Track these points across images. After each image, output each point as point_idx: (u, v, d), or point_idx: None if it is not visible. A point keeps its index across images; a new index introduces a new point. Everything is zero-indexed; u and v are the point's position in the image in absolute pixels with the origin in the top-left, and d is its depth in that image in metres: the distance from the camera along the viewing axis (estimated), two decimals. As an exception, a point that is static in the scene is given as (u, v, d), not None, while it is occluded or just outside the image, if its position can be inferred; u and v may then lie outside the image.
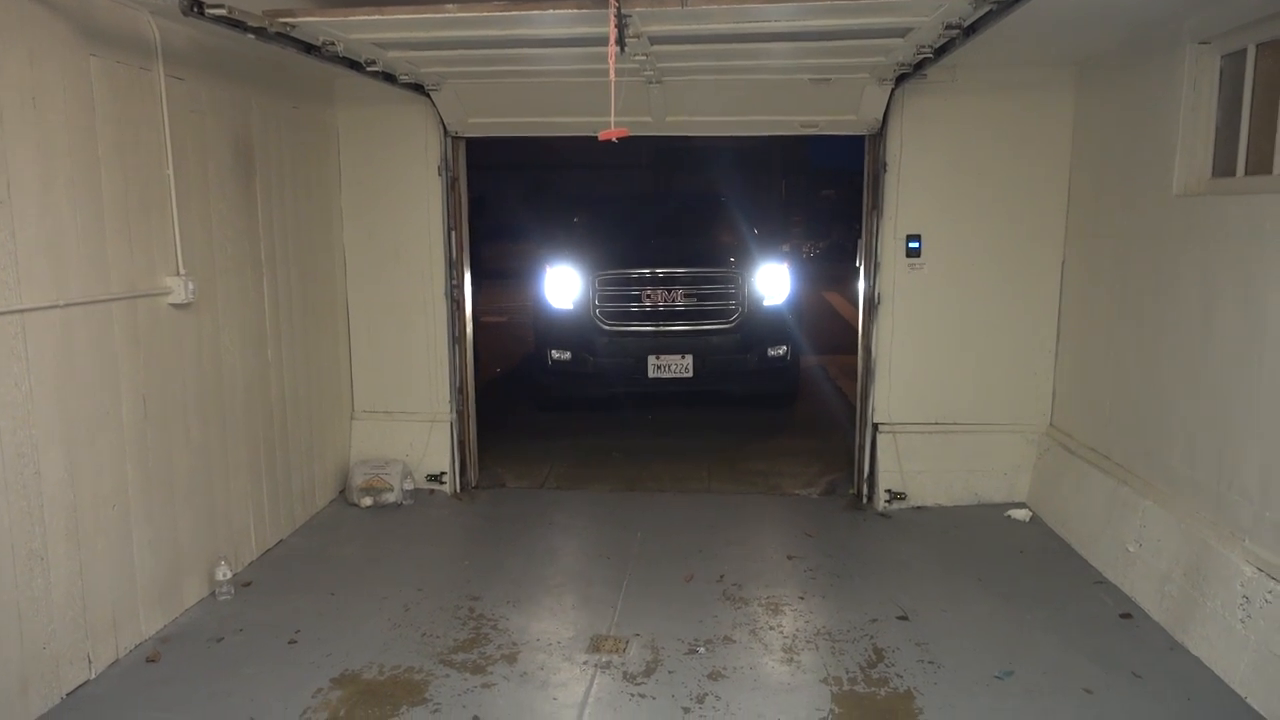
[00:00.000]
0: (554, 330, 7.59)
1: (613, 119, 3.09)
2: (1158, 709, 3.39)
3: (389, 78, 4.97)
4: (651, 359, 7.23)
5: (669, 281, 7.40)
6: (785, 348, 7.59)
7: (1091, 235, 5.27)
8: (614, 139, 3.07)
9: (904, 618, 4.22)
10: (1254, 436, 3.65)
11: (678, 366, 7.23)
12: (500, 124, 5.85)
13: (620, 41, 3.24)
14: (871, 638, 4.03)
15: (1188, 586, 3.91)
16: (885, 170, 5.64)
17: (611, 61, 3.04)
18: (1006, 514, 5.55)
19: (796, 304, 7.99)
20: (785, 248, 9.69)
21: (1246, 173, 3.93)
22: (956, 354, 5.78)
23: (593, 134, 5.68)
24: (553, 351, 7.54)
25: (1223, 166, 4.12)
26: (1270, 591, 3.40)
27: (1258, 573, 3.50)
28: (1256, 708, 3.33)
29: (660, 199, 9.70)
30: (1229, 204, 3.90)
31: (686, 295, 7.36)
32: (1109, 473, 4.84)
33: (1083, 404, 5.37)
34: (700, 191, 11.09)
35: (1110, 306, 4.99)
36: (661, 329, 7.37)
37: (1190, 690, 3.51)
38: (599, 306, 7.40)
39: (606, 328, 7.39)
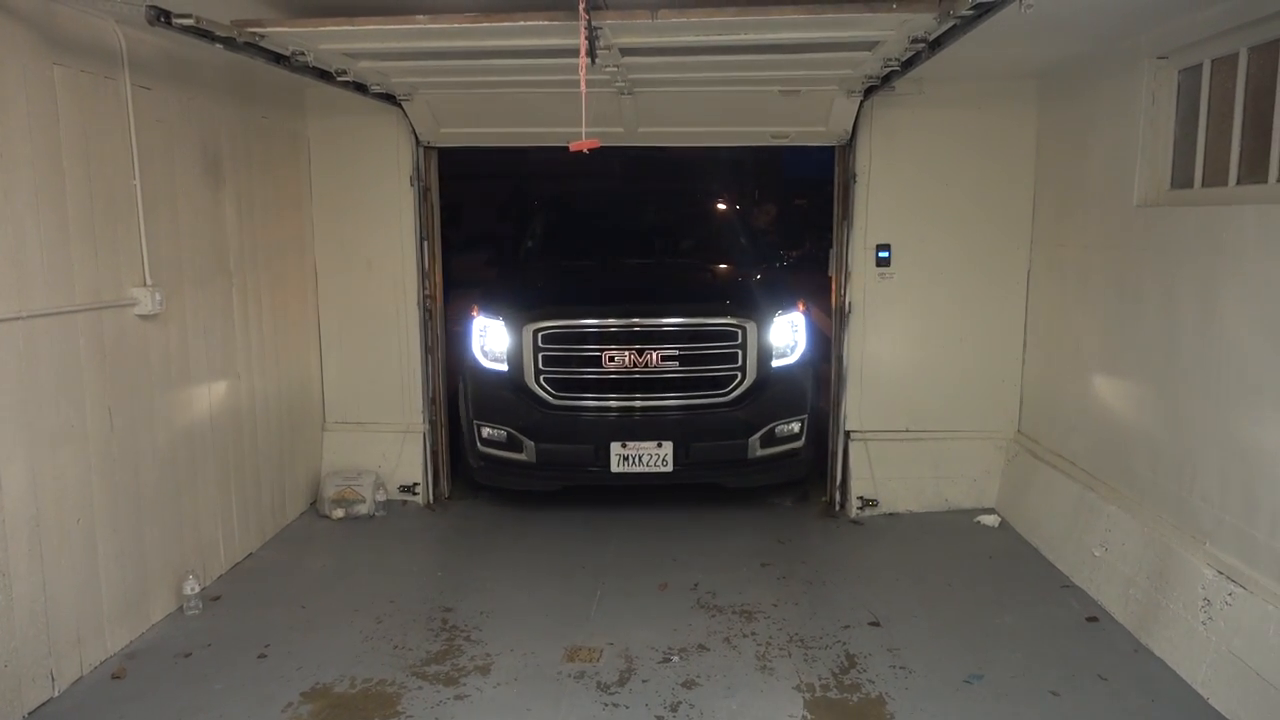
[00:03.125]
0: (483, 399, 5.59)
1: (584, 130, 3.10)
2: (1121, 711, 3.44)
3: (360, 88, 4.96)
4: (616, 447, 5.31)
5: (643, 337, 5.33)
6: (800, 423, 5.59)
7: (1056, 245, 5.36)
8: (585, 150, 3.08)
9: (876, 624, 4.25)
10: (1214, 442, 3.72)
11: (652, 457, 5.31)
12: (472, 134, 5.85)
13: (591, 53, 3.27)
14: (844, 644, 4.06)
15: (1151, 590, 3.98)
16: (855, 181, 5.70)
17: (583, 73, 3.06)
18: (976, 519, 5.61)
19: (814, 356, 5.85)
20: (784, 262, 7.60)
21: (1204, 184, 4.03)
22: (926, 362, 5.84)
23: (565, 144, 5.75)
24: (482, 428, 5.57)
25: (1181, 178, 4.21)
26: (1230, 594, 3.47)
27: (1218, 575, 3.57)
28: (1218, 708, 3.39)
29: (633, 203, 7.37)
30: (1186, 215, 3.99)
31: (668, 357, 5.30)
32: (1075, 478, 4.91)
33: (1049, 411, 5.45)
34: (687, 192, 7.87)
35: (1075, 315, 5.07)
36: (631, 404, 5.43)
37: (1154, 692, 3.57)
38: (542, 372, 5.39)
39: (553, 401, 5.40)
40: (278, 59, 3.99)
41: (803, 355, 5.68)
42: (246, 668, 3.82)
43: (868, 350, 5.85)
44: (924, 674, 3.78)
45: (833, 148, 5.82)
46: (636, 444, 5.31)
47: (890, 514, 5.79)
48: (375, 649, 3.98)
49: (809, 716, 3.46)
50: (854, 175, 5.69)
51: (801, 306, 5.73)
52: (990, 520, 5.57)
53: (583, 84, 3.08)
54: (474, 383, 5.67)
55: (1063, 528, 4.89)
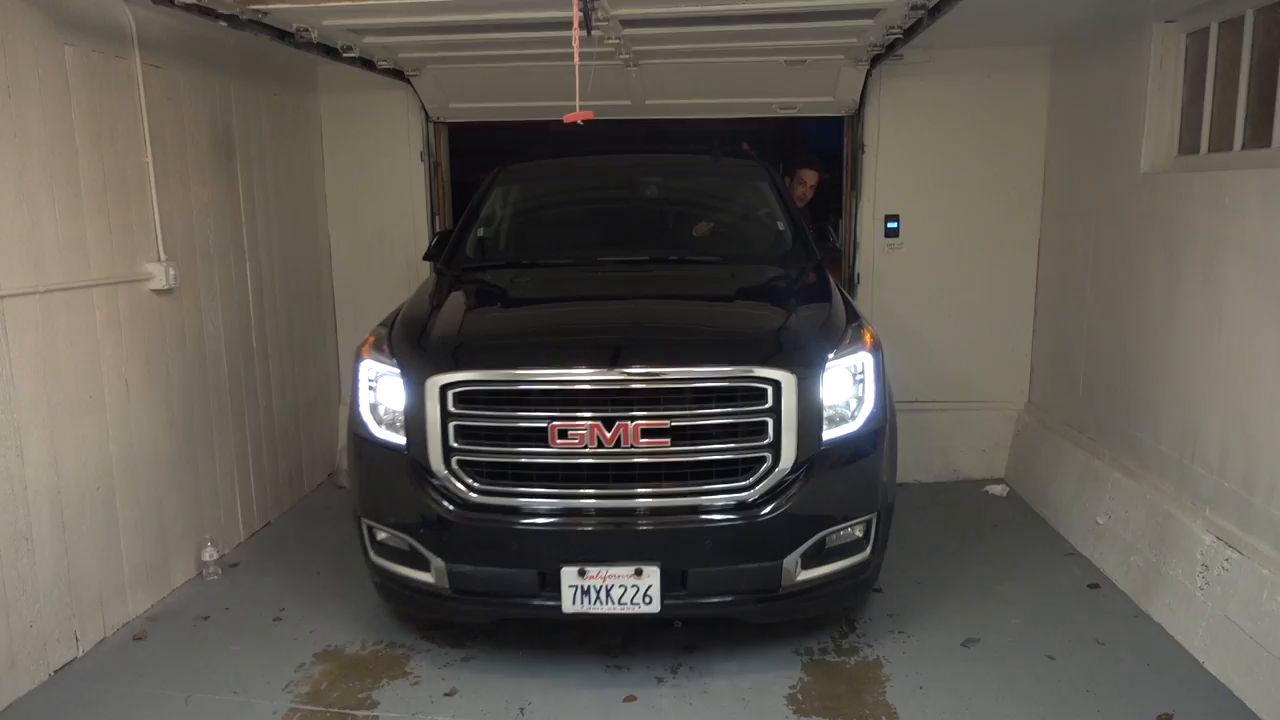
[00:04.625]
0: (373, 487, 3.69)
1: (578, 103, 3.15)
2: (1116, 674, 3.48)
3: (367, 64, 5.01)
4: (570, 574, 3.32)
5: (617, 399, 3.32)
6: (865, 524, 3.59)
7: (1066, 214, 5.33)
8: (579, 122, 3.12)
9: (878, 590, 4.29)
10: (1214, 409, 3.72)
11: (628, 590, 3.32)
12: (481, 109, 5.89)
13: (586, 25, 3.29)
14: (845, 610, 4.11)
15: (1152, 556, 3.99)
16: (863, 151, 5.69)
17: (576, 45, 3.09)
18: (984, 489, 5.63)
19: (888, 414, 3.69)
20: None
21: (1210, 150, 3.99)
22: (935, 333, 5.84)
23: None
24: (374, 529, 3.64)
25: (1189, 144, 4.17)
26: (1227, 559, 3.48)
27: (1216, 541, 3.58)
28: (1213, 672, 3.42)
29: (634, 175, 5.12)
30: (1192, 181, 3.96)
31: (655, 432, 3.30)
32: (1082, 447, 4.92)
33: (1058, 381, 5.44)
34: (706, 163, 5.17)
35: (1083, 284, 5.05)
36: (597, 505, 3.41)
37: (1150, 656, 3.59)
38: (457, 452, 3.39)
39: (474, 497, 3.40)
40: (282, 35, 4.05)
41: (872, 417, 3.52)
42: (262, 630, 3.94)
43: (876, 321, 5.81)
44: (922, 638, 3.83)
45: (842, 118, 5.81)
46: (603, 569, 3.29)
47: (900, 484, 5.78)
48: (386, 613, 4.09)
49: (806, 679, 3.53)
50: (862, 145, 5.68)
51: (869, 338, 3.63)
52: (998, 490, 5.59)
53: (576, 55, 3.11)
54: (360, 461, 3.68)
55: (1068, 497, 4.90)
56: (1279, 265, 3.28)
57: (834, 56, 5.07)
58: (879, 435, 3.56)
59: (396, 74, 5.46)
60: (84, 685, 3.49)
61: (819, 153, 6.44)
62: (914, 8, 3.83)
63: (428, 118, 5.90)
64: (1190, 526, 3.76)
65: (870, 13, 4.04)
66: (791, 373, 3.31)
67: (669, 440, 3.27)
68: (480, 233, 4.80)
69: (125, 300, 3.95)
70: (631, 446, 3.25)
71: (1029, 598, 4.16)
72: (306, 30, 4.05)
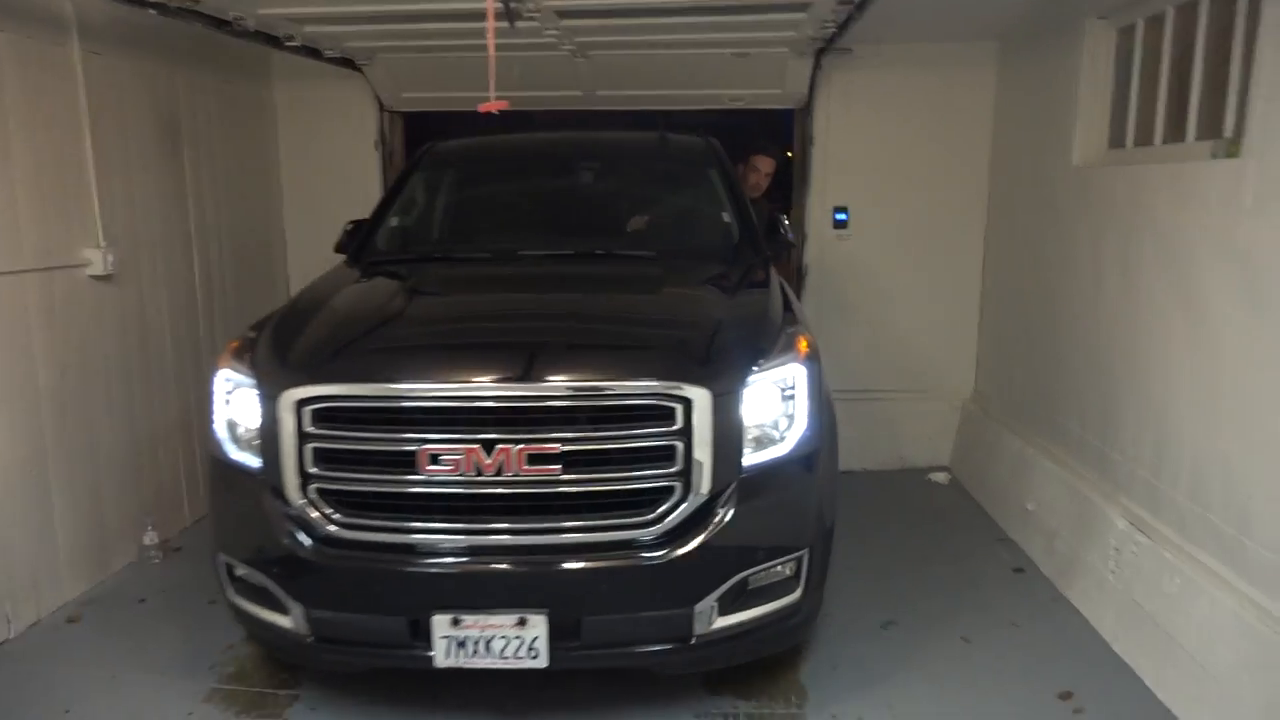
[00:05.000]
0: (227, 516, 3.26)
1: (492, 93, 3.19)
2: (1026, 655, 3.56)
3: (314, 53, 5.05)
4: (443, 622, 2.88)
5: (499, 420, 2.88)
6: (795, 563, 3.13)
7: (1009, 207, 5.41)
8: (494, 111, 3.17)
9: (809, 576, 4.38)
10: (1129, 397, 3.80)
11: (510, 643, 2.88)
12: (434, 99, 5.93)
13: (509, 16, 3.34)
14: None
15: (1073, 541, 4.08)
16: (812, 144, 5.75)
17: (490, 37, 3.14)
18: (927, 477, 5.72)
19: (826, 434, 3.24)
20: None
21: (1135, 144, 4.06)
22: (884, 323, 5.92)
23: (526, 109, 5.80)
24: (231, 565, 3.18)
25: (1117, 139, 4.24)
26: (1136, 543, 3.57)
27: (1129, 526, 3.66)
28: (1119, 653, 3.51)
29: (573, 158, 4.75)
30: (1115, 175, 4.04)
31: (544, 457, 2.85)
32: (1018, 435, 5.00)
33: (1000, 371, 5.53)
34: (650, 144, 4.87)
35: (1022, 276, 5.13)
36: (475, 542, 2.94)
37: (1062, 639, 3.68)
38: (315, 479, 2.94)
39: (334, 531, 2.94)
40: (220, 24, 4.08)
41: (804, 439, 3.02)
42: (197, 612, 3.99)
43: (825, 311, 5.92)
44: (844, 619, 3.90)
45: (793, 110, 5.87)
46: (481, 618, 2.85)
47: (845, 471, 5.85)
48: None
49: (725, 660, 3.61)
50: (811, 138, 5.74)
51: (804, 347, 3.11)
52: (940, 478, 5.67)
53: (491, 47, 3.16)
54: (215, 486, 3.26)
55: (1003, 484, 4.99)
56: (1187, 258, 3.36)
57: (778, 49, 5.12)
58: (812, 459, 3.07)
59: (348, 63, 5.49)
60: (11, 665, 3.55)
61: (778, 140, 6.14)
62: (842, 2, 3.89)
63: (382, 107, 5.94)
64: (1107, 512, 3.85)
65: (802, 6, 4.09)
66: (705, 388, 2.81)
67: (560, 467, 2.79)
68: (395, 222, 4.36)
69: (62, 285, 3.99)
70: (516, 475, 2.77)
71: (954, 581, 4.24)
72: (243, 18, 4.08)
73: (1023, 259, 5.12)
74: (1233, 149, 3.10)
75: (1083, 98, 4.37)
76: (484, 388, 2.88)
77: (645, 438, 2.84)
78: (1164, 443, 3.51)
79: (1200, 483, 3.25)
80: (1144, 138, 3.96)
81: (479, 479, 2.79)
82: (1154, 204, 3.61)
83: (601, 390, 2.85)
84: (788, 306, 3.49)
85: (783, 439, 3.00)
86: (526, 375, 2.90)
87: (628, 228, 4.40)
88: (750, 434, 2.95)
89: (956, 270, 5.84)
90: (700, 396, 2.82)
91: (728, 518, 2.90)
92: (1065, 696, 3.26)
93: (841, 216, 5.80)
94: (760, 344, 3.08)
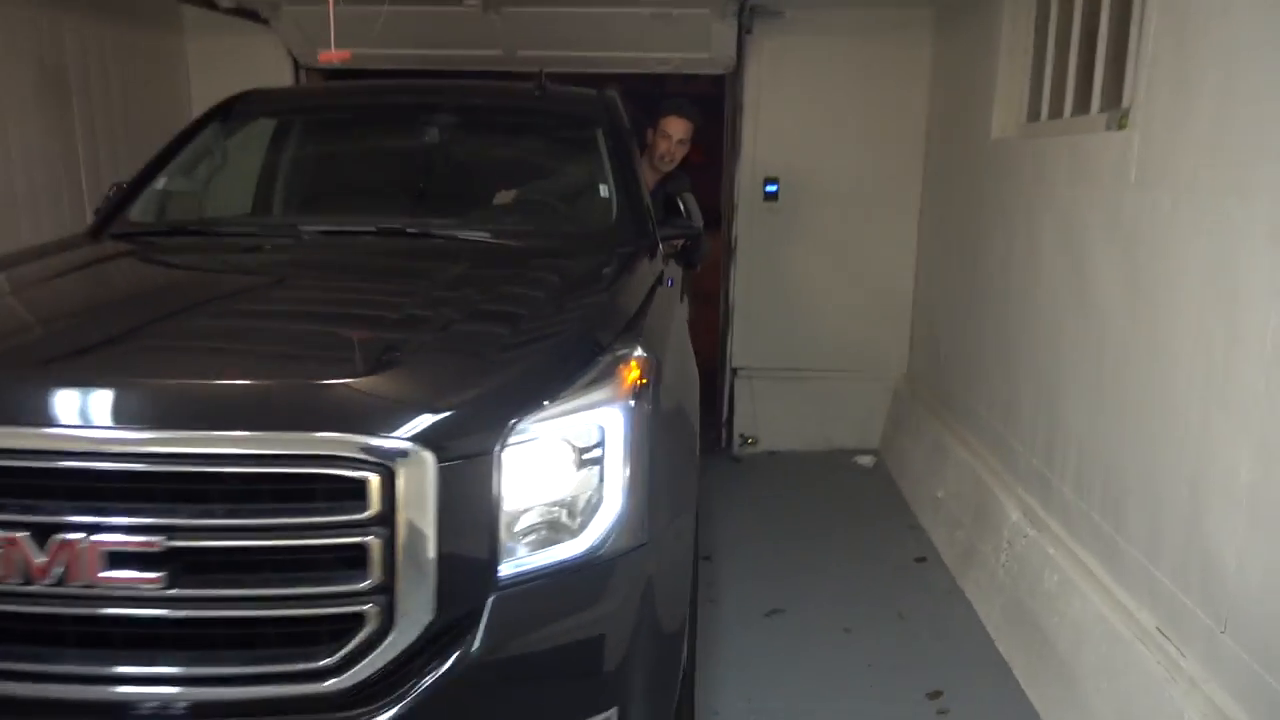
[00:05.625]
0: None
1: (333, 44, 2.99)
2: (906, 649, 3.41)
3: (210, 3, 4.81)
4: None
5: (69, 487, 1.68)
6: None
7: (940, 182, 5.20)
8: (335, 62, 2.96)
9: (707, 558, 4.22)
10: (1028, 382, 3.63)
11: None
12: (354, 56, 5.67)
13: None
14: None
15: (972, 532, 3.93)
16: (741, 111, 5.53)
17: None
18: (853, 459, 5.56)
19: (661, 521, 2.00)
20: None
21: (1050, 117, 3.86)
22: (814, 299, 5.73)
23: (455, 69, 5.57)
24: None
25: (1035, 111, 4.03)
26: (1025, 536, 3.41)
27: (1021, 518, 3.51)
28: (1001, 650, 3.36)
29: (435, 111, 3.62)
30: (1026, 149, 3.84)
31: (137, 557, 1.65)
32: (939, 419, 4.84)
33: (928, 351, 5.35)
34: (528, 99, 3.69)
35: (949, 254, 4.94)
36: (21, 695, 1.70)
37: (946, 633, 3.53)
38: None
39: None
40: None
41: (619, 526, 1.90)
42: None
43: (754, 285, 5.74)
44: (730, 608, 3.76)
45: (723, 76, 5.64)
46: None
47: (771, 452, 5.74)
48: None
49: (594, 648, 3.46)
50: (741, 105, 5.51)
51: (629, 377, 2.02)
52: (866, 461, 5.51)
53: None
54: None
55: (921, 470, 4.83)
56: (1081, 238, 3.17)
57: (699, 10, 4.89)
58: (637, 561, 1.91)
59: (252, 15, 5.25)
60: None
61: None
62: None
63: (297, 64, 5.71)
64: (1003, 503, 3.69)
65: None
66: (427, 447, 1.71)
67: (166, 575, 1.65)
68: (162, 184, 3.35)
69: (-82, 242, 3.79)
70: (91, 585, 1.65)
71: (853, 570, 4.09)
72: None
73: (949, 235, 4.93)
74: (1124, 121, 2.90)
75: (1002, 68, 4.16)
76: (27, 436, 1.68)
77: (312, 530, 1.69)
78: (1054, 433, 3.34)
79: (1083, 477, 3.09)
80: (1057, 110, 3.76)
81: (27, 591, 1.64)
82: (1055, 179, 3.42)
83: (224, 449, 1.68)
84: (642, 314, 2.34)
85: (580, 529, 1.86)
86: (119, 415, 1.72)
87: (495, 201, 3.50)
88: (517, 522, 1.81)
89: (891, 244, 5.64)
90: (416, 461, 1.69)
91: (469, 662, 1.73)
92: (934, 695, 3.11)
93: (772, 188, 5.59)
94: (553, 374, 1.94)
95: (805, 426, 5.77)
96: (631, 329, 2.22)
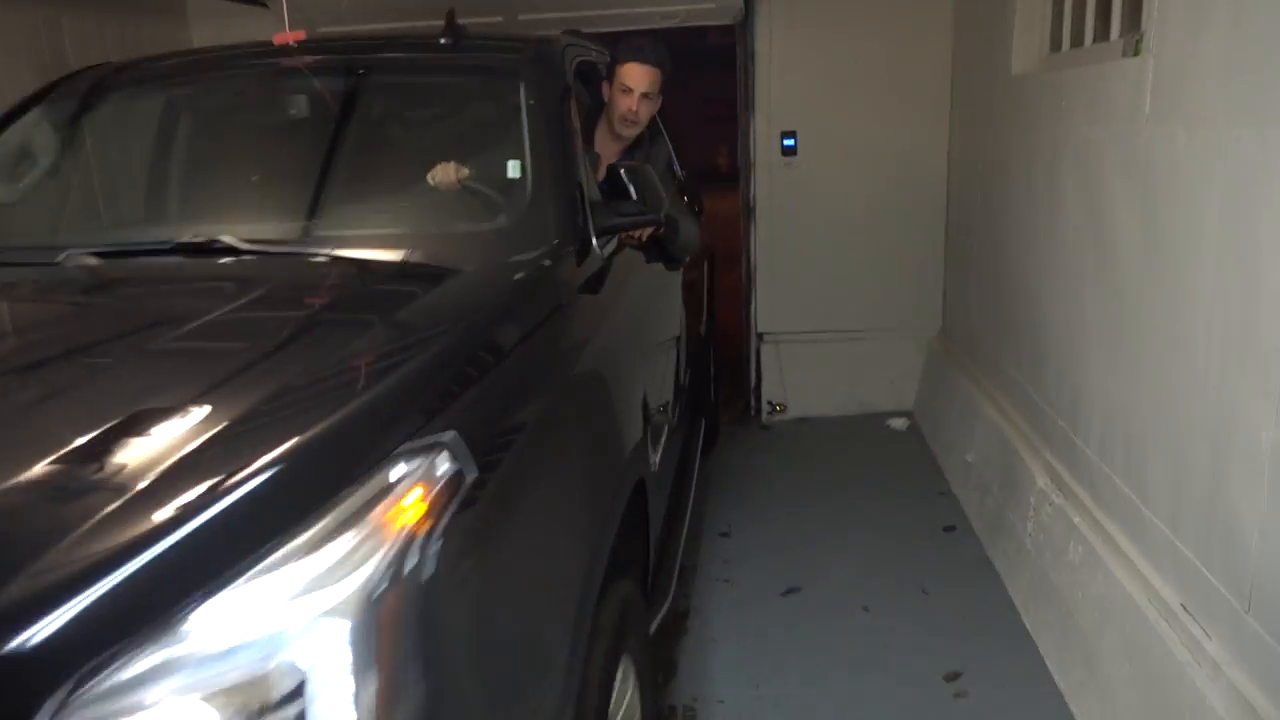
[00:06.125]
0: None
1: (286, 23, 2.86)
2: (925, 628, 3.22)
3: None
4: None
5: None
6: None
7: (966, 126, 4.89)
8: (290, 42, 2.82)
9: (726, 534, 4.08)
10: (1052, 333, 3.37)
11: None
12: (355, 33, 5.57)
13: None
14: (684, 554, 3.89)
15: (1001, 498, 3.69)
16: (754, 62, 5.26)
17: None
18: (886, 423, 5.32)
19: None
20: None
21: (1072, 47, 3.54)
22: (841, 257, 5.47)
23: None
24: None
25: (1058, 42, 3.71)
26: (1051, 504, 3.18)
27: (1048, 483, 3.27)
28: (1027, 626, 3.15)
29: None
30: (1046, 83, 3.53)
31: None
32: (971, 378, 4.58)
33: (961, 307, 5.06)
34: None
35: (975, 201, 4.64)
36: None
37: (971, 607, 3.33)
38: None
39: None
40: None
41: None
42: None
43: (775, 246, 5.50)
44: (745, 586, 3.61)
45: (733, 27, 5.37)
46: None
47: (801, 419, 5.53)
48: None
49: (598, 632, 3.35)
50: (753, 54, 5.25)
51: (408, 516, 1.14)
52: (899, 424, 5.27)
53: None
54: None
55: (953, 433, 4.59)
56: (1098, 176, 2.89)
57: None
58: None
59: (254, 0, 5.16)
60: None
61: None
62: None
63: (300, 44, 5.60)
64: (1030, 467, 3.45)
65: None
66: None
67: None
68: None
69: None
70: None
71: (877, 542, 3.89)
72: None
73: (975, 182, 4.63)
74: (1139, 45, 2.61)
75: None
76: None
77: None
78: (1079, 391, 3.09)
79: (1106, 439, 2.84)
80: (1078, 38, 3.44)
81: None
82: (1073, 115, 3.13)
83: None
84: (480, 381, 1.53)
85: None
86: None
87: (430, 179, 2.48)
88: None
89: (920, 196, 5.33)
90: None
91: None
92: (952, 677, 2.92)
93: (790, 142, 5.32)
94: (211, 560, 1.05)
95: (836, 390, 5.54)
96: (447, 417, 1.35)
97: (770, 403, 5.56)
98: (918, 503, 4.25)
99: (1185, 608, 2.29)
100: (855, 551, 3.82)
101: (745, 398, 5.75)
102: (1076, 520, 2.94)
